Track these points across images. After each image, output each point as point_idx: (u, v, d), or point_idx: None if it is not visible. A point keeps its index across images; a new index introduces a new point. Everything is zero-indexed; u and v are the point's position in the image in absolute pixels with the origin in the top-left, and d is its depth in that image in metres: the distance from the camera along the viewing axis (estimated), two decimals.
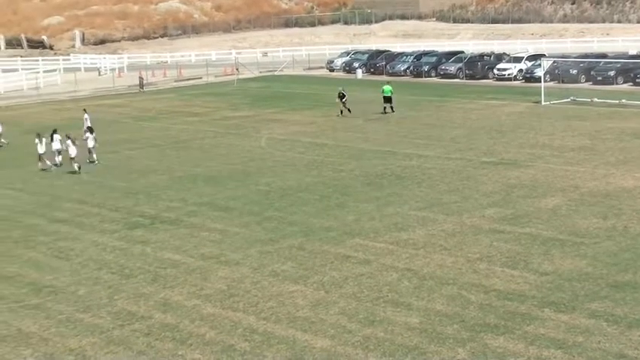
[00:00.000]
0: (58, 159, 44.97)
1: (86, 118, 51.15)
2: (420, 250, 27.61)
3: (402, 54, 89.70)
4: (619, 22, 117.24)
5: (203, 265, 27.26)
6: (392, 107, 58.13)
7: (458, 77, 78.92)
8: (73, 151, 42.92)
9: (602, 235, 28.30)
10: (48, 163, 44.28)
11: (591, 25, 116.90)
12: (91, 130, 46.57)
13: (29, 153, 46.64)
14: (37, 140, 44.49)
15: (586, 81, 70.70)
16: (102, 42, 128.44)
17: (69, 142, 43.14)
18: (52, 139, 44.99)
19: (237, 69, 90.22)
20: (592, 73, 70.58)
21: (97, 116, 64.26)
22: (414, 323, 21.65)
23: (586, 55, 77.49)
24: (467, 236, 28.88)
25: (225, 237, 30.30)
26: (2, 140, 52.44)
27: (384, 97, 58.33)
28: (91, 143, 45.68)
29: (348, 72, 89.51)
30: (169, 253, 28.82)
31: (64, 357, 20.87)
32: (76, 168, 42.76)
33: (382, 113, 57.96)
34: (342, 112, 57.34)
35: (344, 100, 57.47)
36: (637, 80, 68.10)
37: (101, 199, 37.27)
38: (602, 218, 30.27)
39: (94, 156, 45.60)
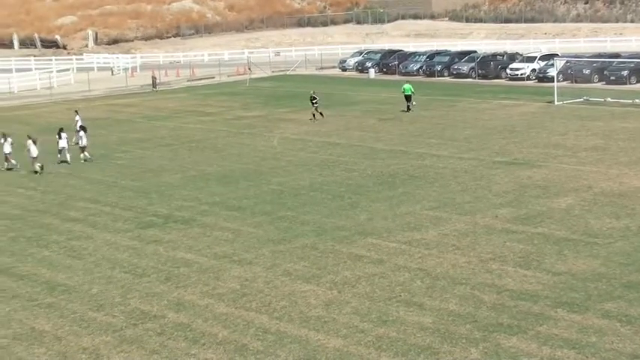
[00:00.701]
0: (87, 154, 46.22)
1: (77, 119, 51.13)
2: (432, 250, 27.59)
3: (414, 53, 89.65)
4: (632, 21, 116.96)
5: (216, 265, 27.29)
6: (408, 106, 58.39)
7: (470, 77, 78.92)
8: (34, 151, 43.52)
9: (615, 235, 28.22)
10: (13, 162, 44.83)
11: (604, 24, 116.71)
12: (84, 129, 47.01)
13: (42, 152, 46.84)
14: (1, 140, 44.94)
15: (599, 81, 70.54)
16: (115, 41, 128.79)
17: (30, 142, 43.73)
18: (59, 137, 45.75)
19: (249, 68, 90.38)
20: (605, 72, 70.40)
21: (110, 115, 64.66)
22: (426, 323, 21.63)
23: (599, 55, 77.31)
24: (480, 236, 28.84)
25: (237, 236, 30.32)
26: None
27: (405, 96, 58.63)
28: (84, 142, 46.49)
29: (361, 72, 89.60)
30: (182, 252, 28.86)
31: (77, 356, 20.91)
32: (37, 168, 43.52)
33: (405, 111, 58.22)
34: (314, 115, 56.89)
35: (315, 103, 56.99)
36: None
37: (114, 198, 37.37)
38: (615, 218, 30.19)
39: (87, 154, 46.43)
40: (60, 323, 23.03)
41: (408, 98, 58.67)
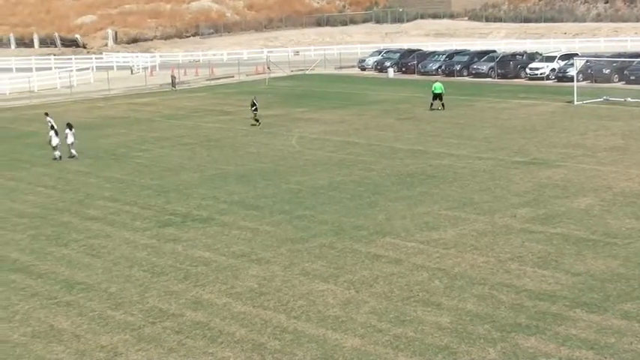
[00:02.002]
0: (73, 151, 47.15)
1: (49, 121, 50.27)
2: (451, 250, 27.53)
3: (433, 53, 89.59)
4: None
5: (234, 264, 27.32)
6: (442, 104, 58.66)
7: (490, 76, 78.78)
8: None
9: (634, 236, 28.08)
10: (73, 152, 45.97)
11: (625, 24, 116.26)
12: (70, 126, 47.24)
13: (61, 151, 47.04)
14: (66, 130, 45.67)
15: (619, 80, 70.29)
16: (134, 41, 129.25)
17: None
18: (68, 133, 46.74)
19: (268, 68, 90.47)
20: (625, 72, 70.11)
21: (129, 114, 64.87)
22: (444, 323, 21.58)
23: (619, 55, 76.99)
24: (498, 236, 28.76)
25: (255, 235, 30.34)
26: None
27: (434, 94, 58.76)
28: (70, 139, 47.16)
29: (380, 71, 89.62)
30: (200, 251, 28.91)
31: (95, 354, 20.97)
32: None
33: (429, 110, 58.43)
34: (258, 121, 56.25)
35: (254, 109, 56.41)
36: None
37: (133, 197, 37.47)
38: (634, 218, 30.04)
39: (73, 151, 47.18)
40: (78, 321, 23.10)
41: (436, 97, 58.77)
